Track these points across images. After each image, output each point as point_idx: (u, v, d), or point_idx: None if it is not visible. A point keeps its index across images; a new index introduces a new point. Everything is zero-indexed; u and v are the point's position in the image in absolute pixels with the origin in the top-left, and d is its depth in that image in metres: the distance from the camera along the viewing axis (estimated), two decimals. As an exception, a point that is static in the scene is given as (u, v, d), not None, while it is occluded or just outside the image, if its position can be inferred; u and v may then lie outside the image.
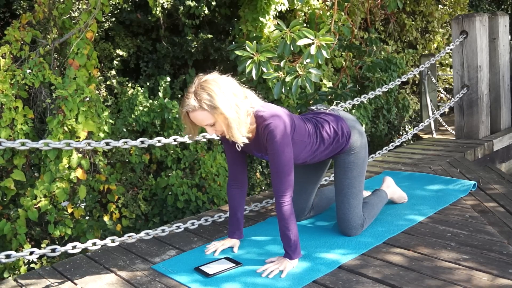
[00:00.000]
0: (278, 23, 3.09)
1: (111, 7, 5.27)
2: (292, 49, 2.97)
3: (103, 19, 5.42)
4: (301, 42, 2.92)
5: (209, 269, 2.07)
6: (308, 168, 2.52)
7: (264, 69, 2.96)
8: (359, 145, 2.37)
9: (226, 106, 1.88)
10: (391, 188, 2.76)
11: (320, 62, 3.05)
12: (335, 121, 2.32)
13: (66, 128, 3.83)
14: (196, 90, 1.90)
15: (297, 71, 3.06)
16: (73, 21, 4.60)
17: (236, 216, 2.33)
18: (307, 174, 2.52)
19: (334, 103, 3.05)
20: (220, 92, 1.88)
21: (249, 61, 2.95)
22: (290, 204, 2.05)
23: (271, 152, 2.03)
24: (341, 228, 2.37)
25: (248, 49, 2.97)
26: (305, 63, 3.02)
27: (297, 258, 2.08)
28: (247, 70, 2.93)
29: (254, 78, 2.94)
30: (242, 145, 2.09)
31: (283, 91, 3.15)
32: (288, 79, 3.08)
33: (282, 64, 3.24)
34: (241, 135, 1.95)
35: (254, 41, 3.03)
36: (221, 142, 2.37)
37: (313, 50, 2.91)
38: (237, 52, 2.99)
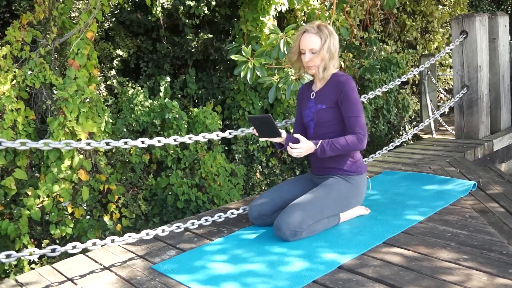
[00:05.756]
0: (273, 26, 3.17)
1: (111, 7, 5.27)
2: (286, 53, 3.04)
3: (103, 19, 5.42)
4: None
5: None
6: (299, 184, 2.60)
7: (259, 74, 3.04)
8: (361, 185, 2.50)
9: (333, 49, 2.41)
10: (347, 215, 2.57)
11: None
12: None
13: (67, 130, 3.82)
14: (320, 25, 2.41)
15: (290, 76, 3.13)
16: (73, 21, 4.59)
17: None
18: (296, 189, 2.56)
19: None
20: (335, 39, 2.43)
21: (244, 65, 3.04)
22: (362, 141, 2.38)
23: (349, 99, 2.38)
24: (280, 220, 2.28)
25: (244, 53, 3.03)
26: None
27: (319, 153, 2.37)
28: (242, 75, 3.03)
29: (249, 82, 3.07)
30: (317, 90, 2.52)
31: (278, 96, 3.29)
32: (281, 85, 3.17)
33: (274, 64, 3.32)
34: (329, 73, 2.44)
35: (250, 46, 3.11)
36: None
37: None
38: (233, 57, 3.11)
